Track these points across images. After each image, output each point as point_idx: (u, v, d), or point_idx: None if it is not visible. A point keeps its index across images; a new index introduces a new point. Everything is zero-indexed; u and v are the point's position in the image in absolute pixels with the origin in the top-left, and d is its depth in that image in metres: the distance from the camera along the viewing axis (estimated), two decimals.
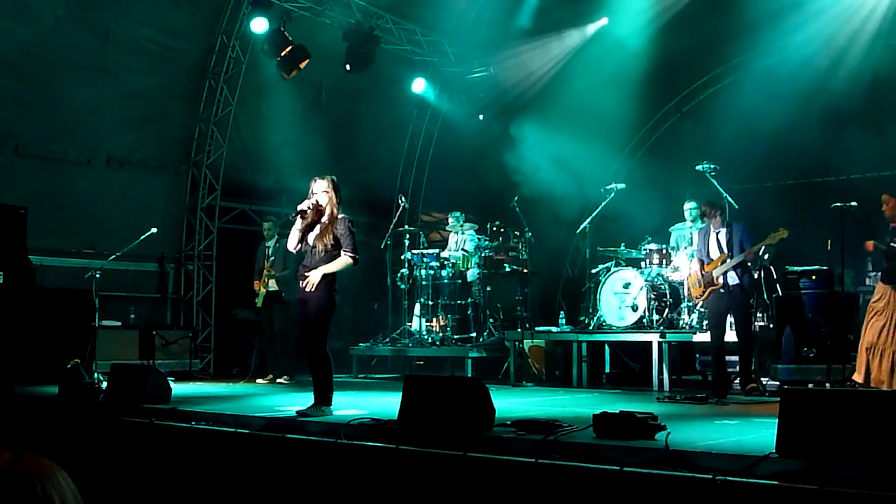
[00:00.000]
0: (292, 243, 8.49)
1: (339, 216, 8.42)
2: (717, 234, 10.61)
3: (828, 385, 9.97)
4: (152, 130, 15.06)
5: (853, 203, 9.19)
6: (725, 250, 10.46)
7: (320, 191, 8.43)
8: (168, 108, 15.27)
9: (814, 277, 11.55)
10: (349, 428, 7.34)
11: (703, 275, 10.68)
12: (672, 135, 17.44)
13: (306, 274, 8.37)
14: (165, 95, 15.12)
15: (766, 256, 11.97)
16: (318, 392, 8.40)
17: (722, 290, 10.41)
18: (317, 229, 8.39)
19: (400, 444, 6.73)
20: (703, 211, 10.89)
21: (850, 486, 4.97)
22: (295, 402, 9.07)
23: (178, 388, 10.75)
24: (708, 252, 10.69)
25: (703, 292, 10.68)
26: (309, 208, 8.35)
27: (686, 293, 12.44)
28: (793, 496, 5.06)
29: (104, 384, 10.06)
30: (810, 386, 10.25)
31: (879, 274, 9.98)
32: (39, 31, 13.38)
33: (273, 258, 13.25)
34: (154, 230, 12.90)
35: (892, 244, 8.95)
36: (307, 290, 8.34)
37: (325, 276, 8.31)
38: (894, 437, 5.25)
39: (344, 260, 8.34)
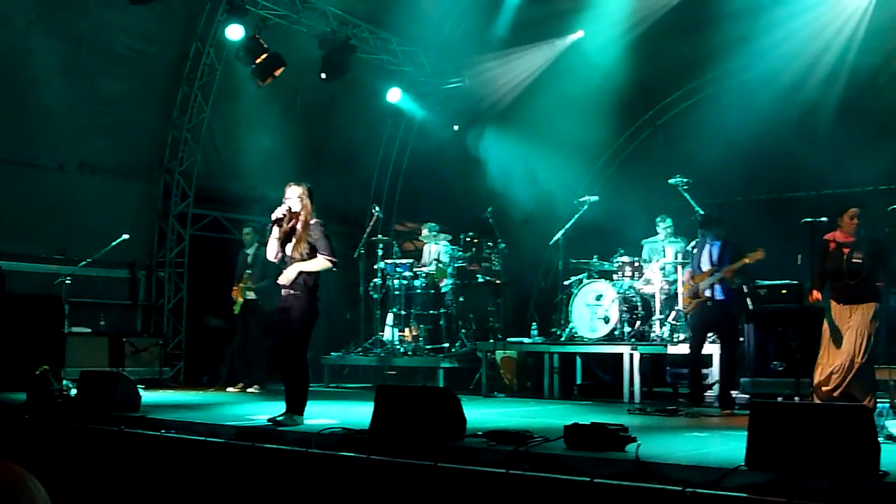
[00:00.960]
0: (272, 254, 8.46)
1: (312, 222, 8.39)
2: (711, 247, 10.68)
3: (797, 399, 10.03)
4: (125, 136, 14.97)
5: (823, 218, 9.25)
6: (716, 264, 10.53)
7: (294, 196, 8.39)
8: (141, 114, 15.19)
9: (784, 292, 11.64)
10: (320, 437, 7.33)
11: (691, 286, 10.77)
12: (645, 148, 17.51)
13: (285, 288, 8.34)
14: (139, 101, 15.04)
15: (739, 278, 12.04)
16: (291, 400, 8.35)
17: (709, 304, 10.49)
18: (292, 239, 8.35)
19: (371, 453, 6.73)
20: (701, 223, 10.99)
21: (817, 500, 5.02)
22: (266, 410, 9.05)
23: (148, 396, 10.69)
24: (699, 264, 10.76)
25: (691, 303, 10.78)
26: (284, 215, 8.32)
27: (658, 306, 12.51)
28: None
29: (73, 391, 9.99)
30: (779, 399, 10.30)
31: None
32: (12, 36, 13.29)
33: (252, 267, 13.15)
34: (126, 236, 12.84)
35: (854, 261, 9.00)
36: (282, 282, 8.32)
37: (306, 282, 8.30)
38: (862, 450, 5.30)
39: (321, 262, 8.29)
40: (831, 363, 8.99)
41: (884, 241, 9.16)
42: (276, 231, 8.37)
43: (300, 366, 8.45)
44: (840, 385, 8.83)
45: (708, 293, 10.49)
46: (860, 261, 8.93)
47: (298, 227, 8.36)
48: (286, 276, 8.30)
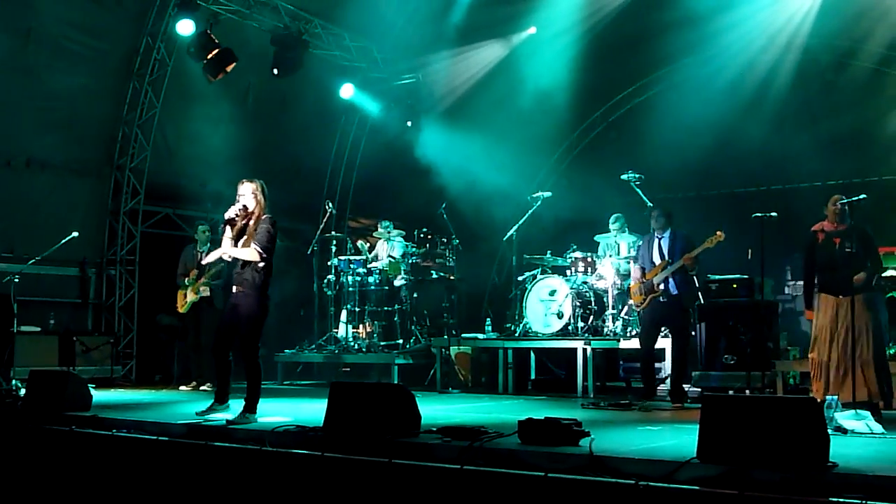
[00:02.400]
0: (209, 258, 8.63)
1: (263, 217, 8.32)
2: (660, 240, 10.72)
3: (748, 391, 10.14)
4: (74, 132, 14.76)
5: (773, 213, 9.34)
6: (667, 257, 10.57)
7: (248, 193, 8.35)
8: (91, 110, 14.99)
9: (735, 286, 11.76)
10: (274, 435, 7.30)
11: (643, 282, 10.76)
12: (598, 144, 17.62)
13: (235, 286, 8.33)
14: (88, 97, 14.84)
15: (697, 265, 12.14)
16: (221, 394, 8.58)
17: (662, 299, 10.52)
18: (244, 237, 8.28)
19: (325, 451, 6.70)
20: (651, 216, 10.98)
21: (768, 491, 5.07)
22: (218, 413, 8.96)
23: (99, 395, 10.59)
24: (651, 258, 10.78)
25: (644, 300, 10.76)
26: (237, 214, 8.25)
27: (611, 301, 12.59)
28: (713, 501, 5.15)
29: (22, 391, 9.86)
30: (731, 393, 10.41)
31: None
32: None
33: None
34: (75, 234, 12.69)
35: (847, 249, 8.82)
36: (207, 260, 8.64)
37: (254, 280, 8.23)
38: (811, 442, 5.37)
39: (250, 252, 8.18)
40: (835, 362, 8.75)
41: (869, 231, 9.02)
42: (228, 231, 8.30)
43: (253, 363, 8.43)
44: (855, 387, 8.40)
45: (662, 287, 10.53)
46: (851, 249, 8.65)
47: (251, 223, 8.30)
48: (210, 256, 8.50)
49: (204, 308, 13.03)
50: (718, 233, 10.30)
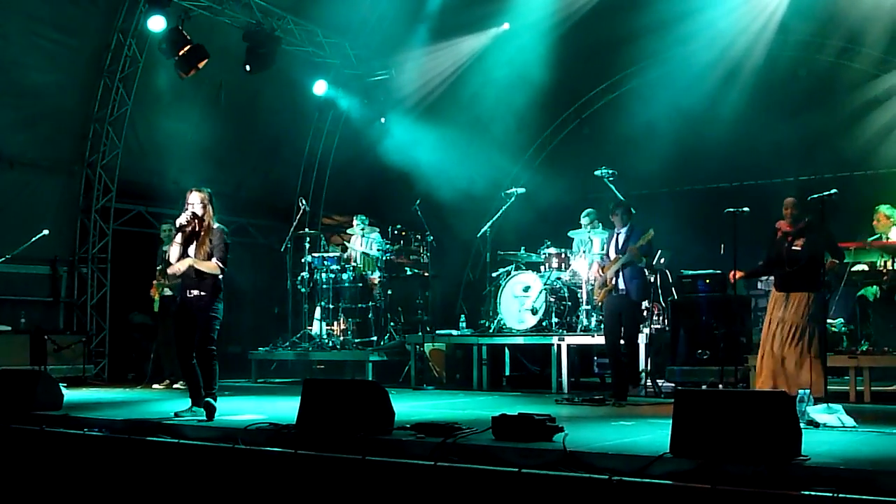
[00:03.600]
0: (174, 257, 8.64)
1: (215, 226, 8.65)
2: (619, 235, 10.75)
3: (721, 386, 10.19)
4: (45, 129, 14.65)
5: (745, 208, 9.38)
6: (621, 251, 10.61)
7: (197, 202, 8.66)
8: (62, 107, 14.86)
9: (708, 281, 11.81)
10: (247, 433, 7.27)
11: (599, 277, 10.82)
12: (571, 140, 17.67)
13: (191, 290, 8.60)
14: (59, 94, 14.71)
15: (662, 261, 12.18)
16: (195, 395, 8.56)
17: (614, 293, 10.56)
18: (194, 242, 8.59)
19: (298, 448, 6.68)
20: (612, 212, 11.00)
21: (741, 485, 5.09)
22: (195, 416, 8.93)
23: (71, 395, 10.50)
24: (608, 253, 10.84)
25: (599, 293, 10.83)
26: (188, 221, 8.56)
27: (585, 297, 12.61)
28: (686, 495, 5.16)
29: None
30: (704, 387, 10.46)
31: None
32: None
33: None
34: (46, 232, 12.62)
35: (794, 248, 9.06)
36: (170, 272, 8.74)
37: (215, 286, 8.57)
38: (784, 436, 5.40)
39: (212, 265, 8.55)
40: (774, 355, 9.03)
41: (828, 231, 9.12)
42: (179, 236, 8.61)
43: (210, 361, 8.63)
44: (772, 379, 8.84)
45: (613, 281, 10.56)
46: (799, 248, 8.94)
47: (202, 231, 8.61)
48: (177, 266, 8.56)
49: (171, 304, 12.99)
50: (650, 230, 10.41)
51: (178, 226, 8.57)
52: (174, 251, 8.60)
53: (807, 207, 9.03)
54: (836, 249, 9.21)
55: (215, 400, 8.48)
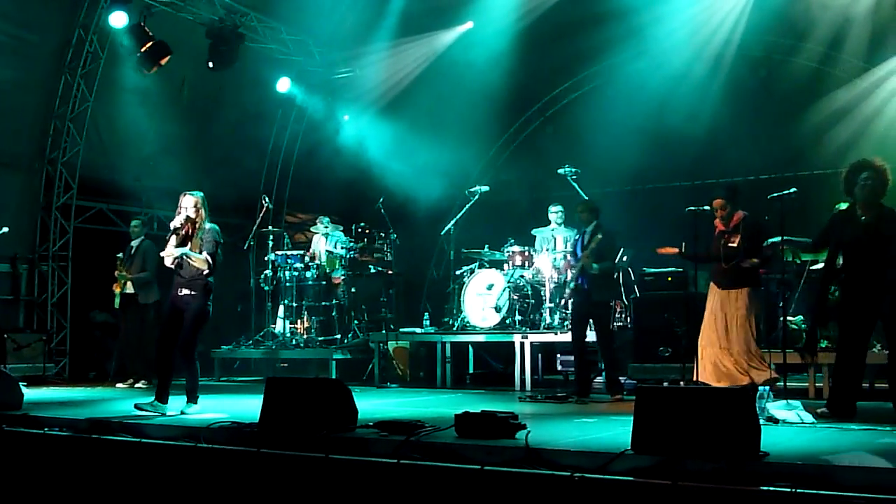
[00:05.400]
0: (168, 261, 8.89)
1: (207, 226, 8.93)
2: (584, 234, 10.82)
3: (682, 383, 10.26)
4: (4, 126, 14.46)
5: (706, 207, 9.46)
6: (584, 251, 10.66)
7: (190, 205, 8.90)
8: (21, 103, 14.69)
9: (669, 279, 11.88)
10: (209, 431, 7.25)
11: (571, 274, 10.89)
12: (535, 139, 17.71)
13: (182, 289, 8.86)
14: (19, 90, 14.54)
15: (624, 259, 12.25)
16: (162, 392, 8.85)
17: (577, 294, 10.63)
18: (188, 244, 8.84)
19: (261, 447, 6.67)
20: (578, 212, 11.08)
21: (701, 481, 5.14)
22: (158, 410, 8.90)
23: (31, 394, 10.42)
24: (575, 251, 10.91)
25: (569, 293, 10.91)
26: (182, 224, 8.83)
27: (548, 295, 12.66)
28: (647, 491, 5.21)
29: None
30: (665, 384, 10.52)
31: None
32: None
33: (133, 258, 12.96)
34: (6, 229, 12.51)
35: (730, 245, 9.22)
36: (164, 254, 8.91)
37: (206, 286, 8.86)
38: (743, 432, 5.46)
39: (202, 261, 8.81)
40: (708, 347, 9.21)
41: (763, 224, 9.32)
42: (174, 239, 8.86)
43: (191, 360, 8.96)
44: (715, 376, 9.00)
45: (580, 281, 10.62)
46: (735, 245, 9.14)
47: (194, 233, 8.87)
48: (169, 251, 8.83)
49: (130, 304, 12.97)
50: (598, 235, 10.47)
51: (172, 228, 8.86)
52: (169, 252, 8.87)
53: (739, 204, 9.22)
54: (761, 249, 9.33)
55: (196, 403, 8.88)
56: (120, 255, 13.17)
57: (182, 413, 8.62)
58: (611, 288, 11.29)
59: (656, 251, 10.53)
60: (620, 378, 10.93)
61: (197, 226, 8.86)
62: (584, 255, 10.43)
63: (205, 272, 8.84)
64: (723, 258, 9.20)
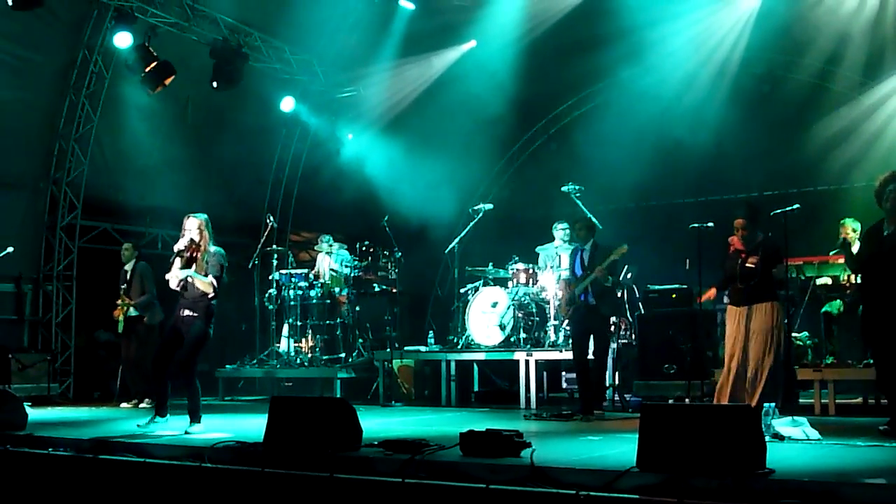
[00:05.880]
0: (174, 283, 8.98)
1: (213, 250, 9.02)
2: (583, 252, 10.81)
3: (687, 400, 10.25)
4: (9, 146, 14.47)
5: (710, 224, 9.48)
6: (587, 268, 10.65)
7: (194, 228, 9.02)
8: (26, 124, 14.73)
9: (674, 296, 11.88)
10: (213, 451, 7.22)
11: (568, 292, 10.86)
12: (539, 156, 17.76)
13: (185, 310, 8.97)
14: (24, 110, 14.59)
15: (629, 276, 12.25)
16: (161, 407, 9.04)
17: (583, 308, 10.60)
18: (192, 266, 8.92)
19: (265, 466, 6.65)
20: (574, 229, 11.08)
21: (707, 498, 5.13)
22: (158, 426, 8.90)
23: (36, 414, 10.39)
24: (574, 270, 10.87)
25: (568, 310, 10.86)
26: (186, 247, 8.93)
27: (552, 312, 12.64)
28: None
29: None
30: (671, 402, 10.50)
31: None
32: None
33: (131, 283, 12.94)
34: (10, 249, 12.52)
35: (748, 265, 9.13)
36: (169, 276, 8.95)
37: (209, 309, 8.97)
38: (749, 449, 5.44)
39: (207, 284, 8.91)
40: (736, 368, 9.11)
41: (780, 246, 9.22)
42: (178, 262, 8.95)
43: (192, 380, 9.03)
44: (753, 393, 8.80)
45: (582, 298, 10.60)
46: (753, 265, 8.96)
47: (198, 255, 8.96)
48: (174, 274, 8.91)
49: (134, 325, 12.95)
50: (623, 246, 10.44)
51: (175, 251, 8.97)
52: (174, 275, 8.95)
53: (760, 224, 9.14)
54: (781, 272, 9.26)
55: (199, 422, 8.91)
56: (124, 285, 13.10)
57: (186, 433, 8.64)
58: (615, 303, 11.31)
59: (698, 300, 10.40)
60: (626, 395, 10.92)
61: (202, 248, 8.96)
62: (600, 268, 10.41)
63: (209, 295, 8.93)
64: (739, 277, 9.08)
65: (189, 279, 8.88)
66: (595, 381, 10.73)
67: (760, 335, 8.87)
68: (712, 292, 9.82)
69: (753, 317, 8.97)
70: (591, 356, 10.71)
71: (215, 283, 8.93)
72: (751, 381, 8.90)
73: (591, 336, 10.80)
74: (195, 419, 8.90)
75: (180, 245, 8.94)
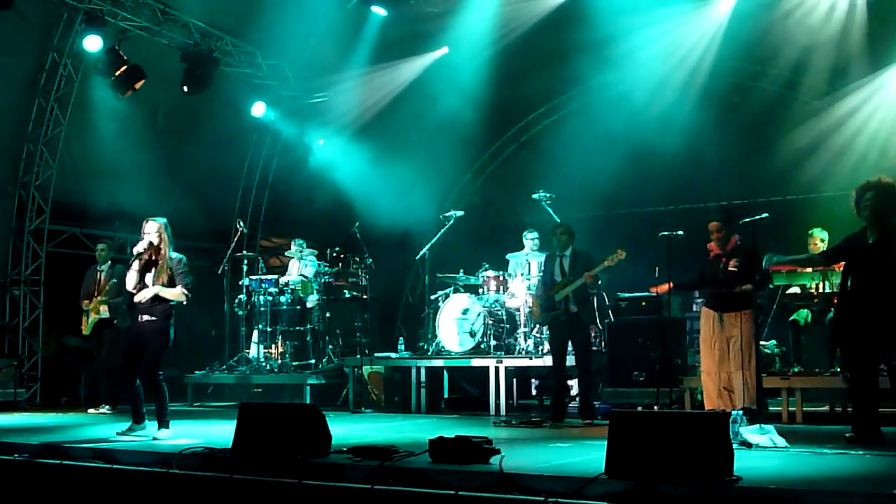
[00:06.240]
0: (131, 284, 8.97)
1: (173, 255, 9.00)
2: (562, 258, 10.84)
3: (656, 408, 10.29)
4: None
5: (680, 232, 9.53)
6: (568, 274, 10.68)
7: (153, 231, 8.99)
8: None
9: (644, 304, 11.93)
10: (182, 457, 7.19)
11: (545, 299, 10.87)
12: (510, 164, 17.77)
13: (143, 315, 8.93)
14: None
15: (598, 282, 12.29)
16: (137, 415, 8.99)
17: (562, 317, 10.63)
18: (153, 270, 8.92)
19: (234, 472, 6.62)
20: (553, 234, 11.10)
21: None
22: (135, 433, 8.86)
23: (2, 419, 10.34)
24: (552, 276, 10.89)
25: (544, 315, 10.89)
26: (145, 249, 8.91)
27: (523, 319, 12.66)
28: None
29: None
30: (639, 409, 10.55)
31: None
32: None
33: (111, 282, 12.89)
34: None
35: (730, 269, 9.23)
36: (138, 300, 8.92)
37: (166, 311, 8.90)
38: (717, 456, 5.47)
39: (179, 291, 8.93)
40: (716, 373, 9.24)
41: (757, 251, 9.28)
42: (136, 264, 8.97)
43: (157, 384, 8.95)
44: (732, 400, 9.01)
45: (563, 305, 10.63)
46: (736, 269, 9.15)
47: (160, 260, 8.95)
48: (143, 294, 8.87)
49: (106, 328, 12.88)
50: (619, 251, 10.45)
51: (134, 253, 8.96)
52: (131, 278, 8.98)
53: (735, 228, 9.24)
54: (763, 273, 9.34)
55: (168, 427, 8.85)
56: (111, 282, 12.99)
57: (154, 439, 8.60)
58: (592, 310, 11.37)
59: (650, 290, 10.59)
60: (595, 402, 10.95)
61: (161, 253, 8.94)
62: (589, 274, 10.44)
63: (183, 302, 8.98)
64: (722, 282, 9.19)
65: (159, 293, 8.84)
66: (583, 393, 10.76)
67: (738, 343, 8.98)
68: (665, 287, 9.89)
69: (730, 325, 9.16)
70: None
71: (182, 293, 8.93)
72: (729, 387, 9.01)
73: (571, 344, 10.85)
74: (163, 424, 8.85)
75: (139, 248, 8.94)
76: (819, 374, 10.42)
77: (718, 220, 9.40)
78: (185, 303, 9.01)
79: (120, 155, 15.21)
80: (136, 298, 8.90)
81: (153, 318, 8.89)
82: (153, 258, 8.93)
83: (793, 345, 11.04)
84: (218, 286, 15.05)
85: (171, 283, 8.89)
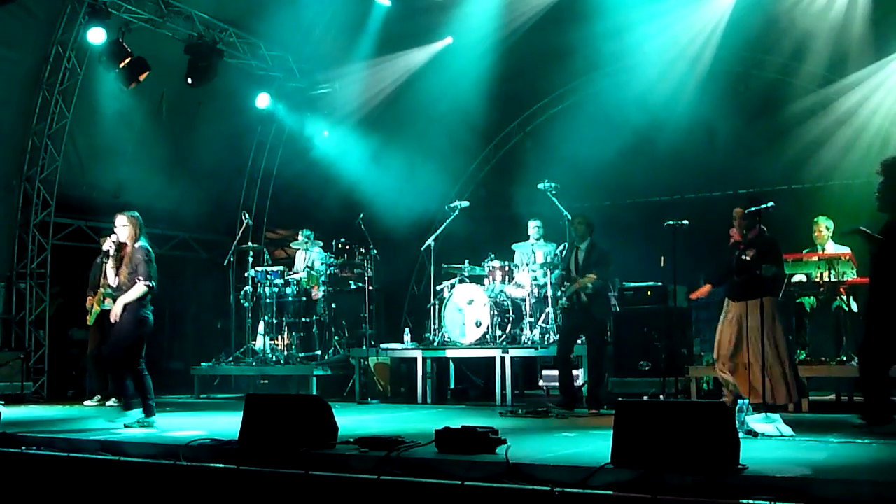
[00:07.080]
0: (111, 280, 9.12)
1: (136, 246, 9.04)
2: (578, 250, 10.86)
3: (662, 397, 10.29)
4: None
5: (685, 221, 9.51)
6: (581, 268, 10.70)
7: (120, 225, 9.10)
8: None
9: (649, 294, 11.93)
10: (188, 449, 7.20)
11: (566, 287, 10.92)
12: (515, 154, 17.77)
13: (113, 321, 9.05)
14: None
15: (589, 290, 12.29)
16: (128, 404, 9.09)
17: (576, 308, 10.66)
18: (121, 264, 9.05)
19: (241, 464, 6.63)
20: (572, 225, 11.11)
21: (681, 495, 5.15)
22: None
23: (9, 412, 10.33)
24: (570, 267, 10.92)
25: (564, 302, 10.95)
26: (110, 247, 9.05)
27: (528, 309, 12.66)
28: None
29: None
30: (645, 398, 10.55)
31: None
32: None
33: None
34: None
35: (744, 258, 9.17)
36: (112, 320, 9.02)
37: (125, 306, 8.91)
38: (722, 445, 5.47)
39: (139, 288, 8.93)
40: (731, 364, 9.18)
41: (775, 242, 9.25)
42: (110, 262, 9.09)
43: (138, 373, 9.04)
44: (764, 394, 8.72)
45: (575, 297, 10.66)
46: (749, 258, 9.05)
47: (124, 254, 9.06)
48: (114, 313, 8.97)
49: (107, 319, 12.86)
50: (590, 276, 10.56)
51: (103, 251, 9.16)
52: (109, 274, 9.13)
53: (759, 218, 9.17)
54: (780, 264, 9.31)
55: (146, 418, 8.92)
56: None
57: (125, 426, 8.75)
58: (608, 304, 11.37)
59: (689, 297, 10.53)
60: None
61: (126, 248, 9.05)
62: (590, 277, 10.48)
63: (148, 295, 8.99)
64: (735, 270, 9.15)
65: (123, 307, 8.89)
66: (591, 386, 10.79)
67: (755, 333, 8.88)
68: (705, 290, 9.81)
69: (746, 314, 9.05)
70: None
71: (143, 286, 8.91)
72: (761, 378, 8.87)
73: (580, 335, 10.87)
74: (128, 407, 8.96)
75: (105, 246, 9.10)
76: (825, 363, 10.41)
77: (743, 206, 9.32)
78: (154, 290, 9.00)
79: (125, 147, 15.22)
80: (111, 319, 8.99)
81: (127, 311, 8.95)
82: (122, 255, 9.03)
83: (797, 330, 11.01)
84: (224, 278, 15.06)
85: (133, 274, 8.89)
